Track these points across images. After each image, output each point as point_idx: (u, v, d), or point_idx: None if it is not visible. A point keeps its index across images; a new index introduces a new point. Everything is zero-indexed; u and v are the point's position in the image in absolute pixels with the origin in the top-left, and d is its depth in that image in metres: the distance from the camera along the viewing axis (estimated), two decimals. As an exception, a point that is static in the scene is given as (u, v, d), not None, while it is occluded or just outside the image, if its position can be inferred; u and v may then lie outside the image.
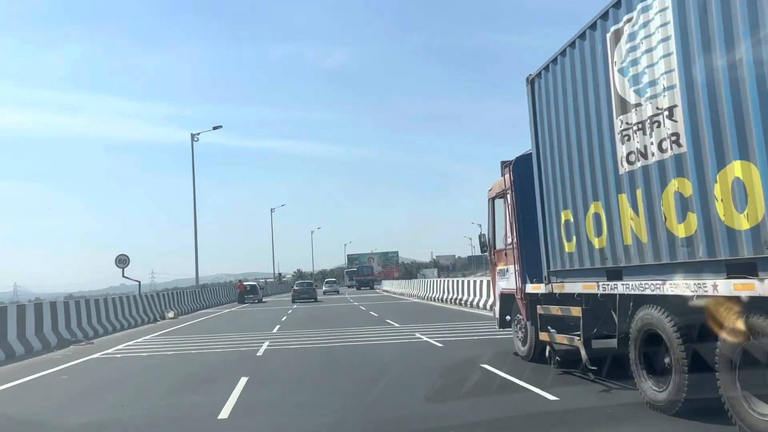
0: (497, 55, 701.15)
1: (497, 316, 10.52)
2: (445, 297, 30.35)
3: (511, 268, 9.41)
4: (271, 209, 71.18)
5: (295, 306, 33.13)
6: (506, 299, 9.94)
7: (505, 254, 9.75)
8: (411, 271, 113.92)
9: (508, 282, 9.64)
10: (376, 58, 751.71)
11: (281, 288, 75.21)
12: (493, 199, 10.41)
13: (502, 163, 9.70)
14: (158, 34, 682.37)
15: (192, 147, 34.78)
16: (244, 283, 43.70)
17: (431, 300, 33.13)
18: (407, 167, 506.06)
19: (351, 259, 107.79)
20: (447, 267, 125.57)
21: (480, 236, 11.15)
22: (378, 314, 23.66)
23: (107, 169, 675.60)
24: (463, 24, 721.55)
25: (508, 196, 9.40)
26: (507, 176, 9.40)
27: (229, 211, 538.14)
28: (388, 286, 59.32)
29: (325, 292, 55.57)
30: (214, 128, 34.54)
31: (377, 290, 62.14)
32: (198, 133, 34.94)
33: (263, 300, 44.27)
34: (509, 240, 9.50)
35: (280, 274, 75.63)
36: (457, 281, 28.99)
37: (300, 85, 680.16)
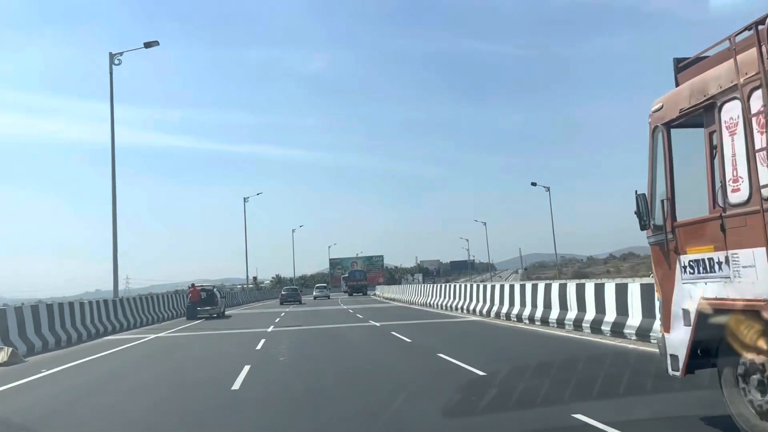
0: (477, 63, 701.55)
1: (673, 352, 5.44)
2: (463, 305, 24.81)
3: (744, 254, 4.42)
4: (245, 198, 59.90)
5: (277, 322, 23.25)
6: (715, 320, 4.89)
7: (724, 225, 4.70)
8: (394, 276, 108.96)
9: (732, 285, 4.62)
10: (357, 65, 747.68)
11: (258, 294, 64.26)
12: (668, 125, 5.41)
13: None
14: (136, 37, 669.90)
15: (111, 71, 26.28)
16: (198, 289, 29.28)
17: (438, 307, 28.24)
18: (387, 173, 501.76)
19: (333, 263, 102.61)
20: (432, 272, 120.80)
21: (638, 199, 5.86)
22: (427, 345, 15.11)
23: (83, 173, 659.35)
24: (439, 31, 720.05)
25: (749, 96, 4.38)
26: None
27: (206, 215, 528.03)
28: (382, 291, 56.36)
29: (315, 298, 54.92)
30: (146, 45, 27.04)
31: (372, 295, 57.86)
32: (120, 53, 26.86)
33: (225, 313, 30.93)
34: (742, 192, 4.50)
35: (255, 278, 69.44)
36: (479, 285, 23.55)
37: (280, 90, 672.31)
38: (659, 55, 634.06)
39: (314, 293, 58.73)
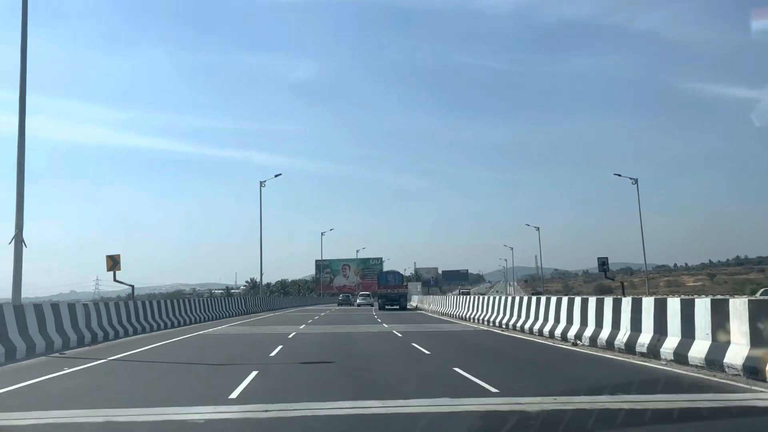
0: (461, 76, 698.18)
1: None
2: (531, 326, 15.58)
3: None
4: (262, 182, 48.25)
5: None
6: None
7: None
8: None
9: None
10: (340, 73, 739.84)
11: (229, 306, 36.55)
12: None
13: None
14: (121, 38, 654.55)
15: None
16: None
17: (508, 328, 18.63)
18: (372, 182, 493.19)
19: (320, 266, 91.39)
20: (429, 281, 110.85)
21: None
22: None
23: (60, 172, 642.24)
24: (426, 44, 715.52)
25: None
26: None
27: (190, 220, 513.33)
28: (424, 303, 46.19)
29: (359, 305, 56.64)
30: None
31: (420, 311, 42.74)
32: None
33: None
34: None
35: (227, 287, 64.69)
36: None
37: (264, 96, 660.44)
38: (644, 75, 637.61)
39: (358, 300, 59.18)
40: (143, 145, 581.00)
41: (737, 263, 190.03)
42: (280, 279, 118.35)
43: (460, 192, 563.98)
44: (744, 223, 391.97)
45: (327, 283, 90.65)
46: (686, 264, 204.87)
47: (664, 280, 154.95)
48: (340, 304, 62.69)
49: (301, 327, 23.30)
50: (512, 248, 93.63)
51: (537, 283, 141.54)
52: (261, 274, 54.76)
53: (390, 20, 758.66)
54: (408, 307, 46.77)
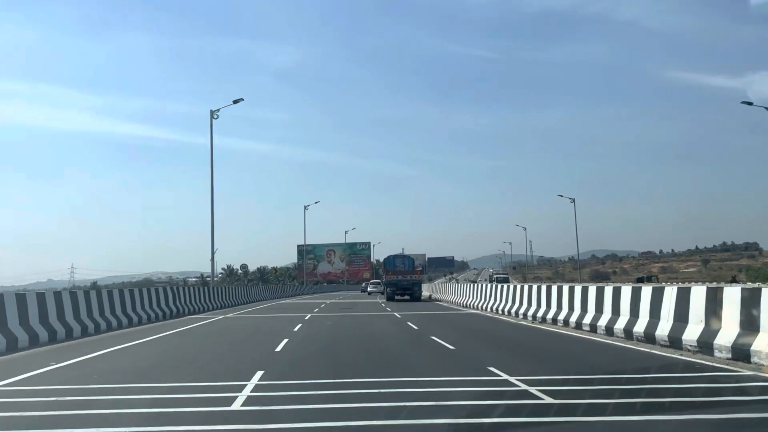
0: (447, 64, 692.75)
1: None
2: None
3: None
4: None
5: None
6: None
7: None
8: (378, 270, 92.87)
9: None
10: (324, 60, 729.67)
11: (199, 299, 27.43)
12: None
13: None
14: (100, 22, 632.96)
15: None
16: None
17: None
18: (357, 169, 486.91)
19: (303, 252, 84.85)
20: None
21: None
22: None
23: (35, 159, 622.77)
24: (410, 31, 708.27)
25: None
26: None
27: (168, 207, 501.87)
28: (437, 292, 40.77)
29: (369, 293, 54.28)
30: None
31: (437, 302, 36.15)
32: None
33: None
34: None
35: (202, 275, 54.32)
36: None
37: (248, 82, 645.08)
38: (627, 64, 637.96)
39: (368, 289, 56.70)
40: (121, 131, 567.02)
41: (724, 249, 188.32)
42: (260, 266, 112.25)
43: (446, 180, 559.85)
44: (729, 209, 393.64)
45: (310, 270, 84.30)
46: (673, 250, 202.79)
47: (657, 266, 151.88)
48: (364, 290, 61.06)
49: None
50: (511, 243, 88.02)
51: (526, 270, 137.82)
52: (213, 252, 33.64)
53: (375, 6, 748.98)
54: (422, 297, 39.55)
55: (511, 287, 21.36)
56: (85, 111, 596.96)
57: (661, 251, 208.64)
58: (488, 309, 23.18)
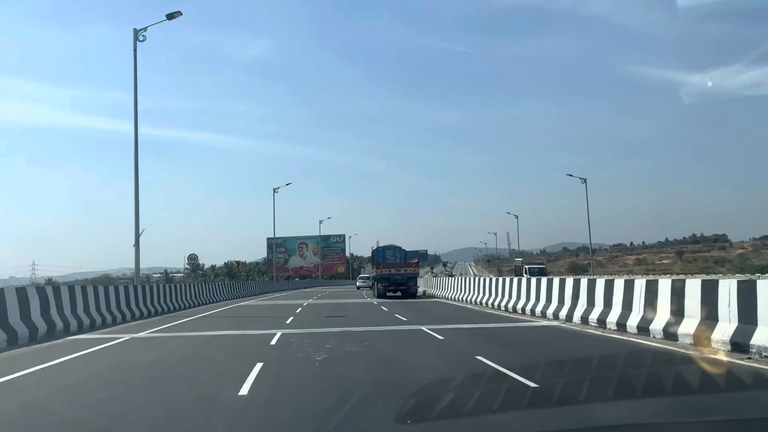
0: (420, 57, 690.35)
1: None
2: None
3: None
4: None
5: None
6: None
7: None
8: (352, 265, 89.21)
9: None
10: (297, 52, 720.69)
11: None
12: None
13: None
14: (64, 12, 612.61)
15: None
16: None
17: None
18: (331, 163, 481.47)
19: (273, 245, 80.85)
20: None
21: None
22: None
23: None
24: (384, 25, 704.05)
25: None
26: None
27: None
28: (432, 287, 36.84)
29: (359, 287, 53.57)
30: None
31: (433, 298, 32.34)
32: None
33: None
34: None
35: (166, 271, 49.16)
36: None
37: (218, 75, 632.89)
38: (594, 59, 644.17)
39: (357, 283, 56.16)
40: (88, 125, 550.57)
41: (693, 241, 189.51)
42: (227, 261, 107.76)
43: (419, 174, 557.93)
44: (695, 201, 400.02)
45: (281, 265, 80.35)
46: (643, 242, 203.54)
47: (631, 258, 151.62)
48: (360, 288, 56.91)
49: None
50: (495, 233, 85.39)
51: (499, 263, 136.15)
52: (138, 236, 24.61)
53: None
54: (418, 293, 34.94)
55: (562, 282, 15.91)
56: (50, 104, 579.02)
57: (632, 243, 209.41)
58: (544, 314, 16.50)
